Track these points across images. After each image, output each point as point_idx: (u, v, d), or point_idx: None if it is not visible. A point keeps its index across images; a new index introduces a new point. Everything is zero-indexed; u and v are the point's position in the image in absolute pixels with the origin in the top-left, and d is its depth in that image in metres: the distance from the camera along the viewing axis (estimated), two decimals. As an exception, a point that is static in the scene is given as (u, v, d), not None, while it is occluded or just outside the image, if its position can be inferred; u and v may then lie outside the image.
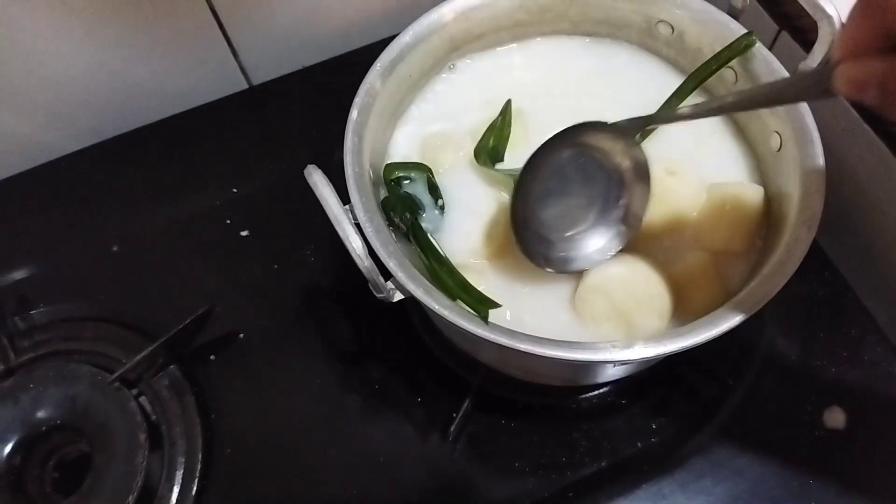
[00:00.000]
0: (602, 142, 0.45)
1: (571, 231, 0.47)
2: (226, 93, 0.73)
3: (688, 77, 0.52)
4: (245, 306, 0.61)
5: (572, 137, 0.44)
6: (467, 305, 0.43)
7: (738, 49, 0.50)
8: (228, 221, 0.65)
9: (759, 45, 0.49)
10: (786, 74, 0.49)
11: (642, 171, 0.45)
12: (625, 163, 0.46)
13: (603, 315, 0.46)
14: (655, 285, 0.46)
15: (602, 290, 0.46)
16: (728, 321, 0.40)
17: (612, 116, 0.44)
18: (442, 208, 0.50)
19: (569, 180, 0.47)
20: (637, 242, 0.47)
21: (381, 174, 0.51)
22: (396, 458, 0.55)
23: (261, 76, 0.74)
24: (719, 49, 0.51)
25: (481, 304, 0.42)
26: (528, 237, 0.46)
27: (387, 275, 0.42)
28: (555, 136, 0.44)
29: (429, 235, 0.47)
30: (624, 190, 0.46)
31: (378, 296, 0.43)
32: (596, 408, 0.56)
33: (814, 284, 0.59)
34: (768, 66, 0.49)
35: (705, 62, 0.52)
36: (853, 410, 0.55)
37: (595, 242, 0.47)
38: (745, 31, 0.50)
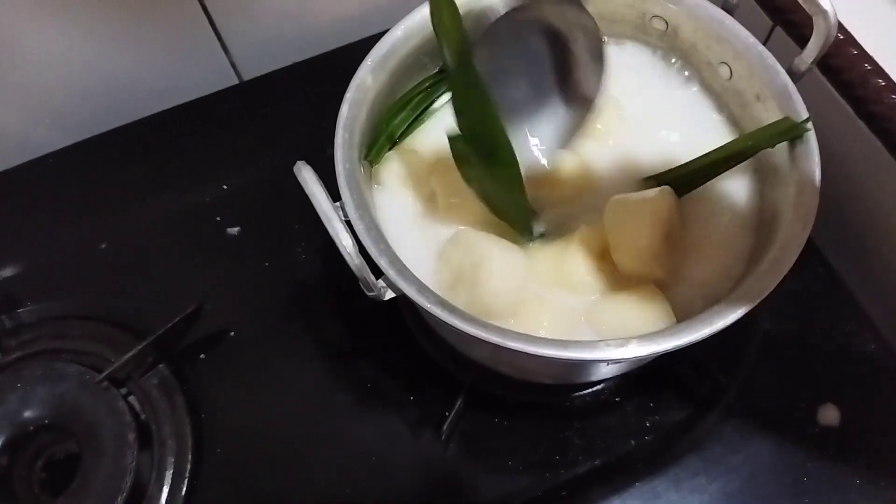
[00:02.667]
0: (544, 12, 0.41)
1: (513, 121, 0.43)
2: (216, 88, 0.72)
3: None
4: (235, 304, 0.60)
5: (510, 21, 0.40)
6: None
7: (784, 134, 0.45)
8: (218, 218, 0.65)
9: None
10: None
11: (594, 46, 0.41)
12: (573, 34, 0.41)
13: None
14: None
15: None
16: (723, 319, 0.40)
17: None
18: None
19: (509, 70, 0.43)
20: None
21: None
22: (388, 457, 0.55)
23: (252, 71, 0.74)
24: (712, 44, 0.50)
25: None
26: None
27: (378, 273, 0.42)
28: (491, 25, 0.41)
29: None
30: (572, 67, 0.42)
31: (369, 294, 0.42)
32: (589, 406, 0.56)
33: (808, 280, 0.59)
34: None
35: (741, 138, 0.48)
36: (847, 407, 0.55)
37: (542, 129, 0.44)
38: (803, 116, 0.44)
